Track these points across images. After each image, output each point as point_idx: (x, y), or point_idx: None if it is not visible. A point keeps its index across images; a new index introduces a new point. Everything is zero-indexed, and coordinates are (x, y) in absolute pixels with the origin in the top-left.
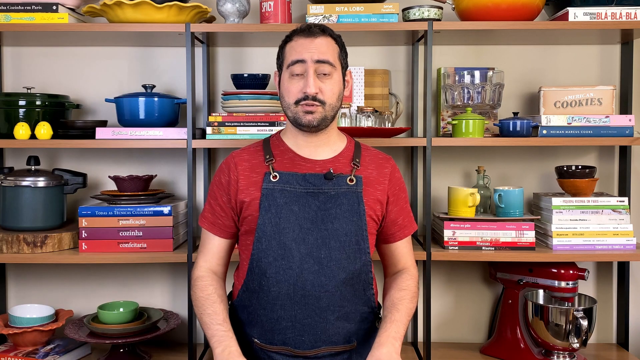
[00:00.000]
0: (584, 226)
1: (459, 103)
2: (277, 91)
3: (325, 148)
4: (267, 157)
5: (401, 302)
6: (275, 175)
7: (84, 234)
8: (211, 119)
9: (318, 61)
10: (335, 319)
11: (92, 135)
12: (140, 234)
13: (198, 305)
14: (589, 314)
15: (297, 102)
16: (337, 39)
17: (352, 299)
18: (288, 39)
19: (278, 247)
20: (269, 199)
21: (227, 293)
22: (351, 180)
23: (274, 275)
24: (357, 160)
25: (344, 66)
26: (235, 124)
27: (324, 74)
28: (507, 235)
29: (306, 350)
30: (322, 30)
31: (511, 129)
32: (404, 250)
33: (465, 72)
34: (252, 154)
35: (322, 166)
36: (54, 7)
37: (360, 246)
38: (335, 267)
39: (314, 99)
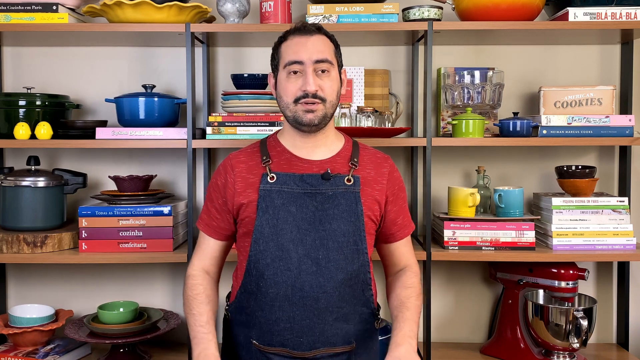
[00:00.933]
0: (584, 226)
1: (459, 103)
2: (273, 93)
3: (322, 148)
4: (264, 158)
5: (409, 299)
6: (273, 177)
7: (84, 234)
8: (211, 119)
9: (316, 61)
10: (333, 320)
11: (92, 135)
12: (140, 234)
13: (185, 304)
14: (589, 314)
15: (296, 101)
16: (332, 38)
17: (350, 300)
18: (283, 38)
19: (276, 248)
20: (266, 200)
21: (226, 294)
22: (349, 180)
23: (272, 276)
24: (355, 160)
25: (340, 64)
26: (235, 124)
27: (322, 71)
28: (507, 235)
29: (304, 351)
30: (317, 28)
31: (511, 129)
32: (404, 250)
33: (465, 72)
34: (249, 156)
35: (320, 166)
36: (54, 7)
37: (358, 247)
38: (334, 268)
39: (315, 96)
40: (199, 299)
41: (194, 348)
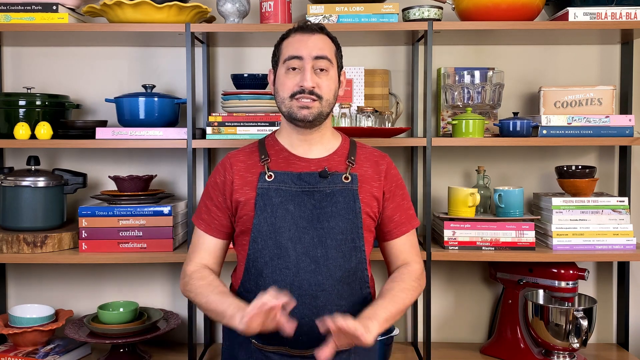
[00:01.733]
0: (584, 226)
1: (459, 103)
2: (272, 89)
3: (319, 146)
4: (262, 157)
5: (389, 291)
6: (271, 175)
7: (84, 234)
8: (211, 119)
9: (316, 57)
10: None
11: (92, 135)
12: (140, 234)
13: (201, 291)
14: (589, 314)
15: (292, 96)
16: (334, 39)
17: (349, 298)
18: (285, 36)
19: (274, 246)
20: (265, 198)
21: None
22: (346, 178)
23: (271, 275)
24: (353, 158)
25: (340, 65)
26: (235, 124)
27: (321, 69)
28: (507, 235)
29: (303, 350)
30: (319, 28)
31: (511, 129)
32: (402, 248)
33: (465, 72)
34: (248, 155)
35: (317, 165)
36: (54, 7)
37: (355, 244)
38: (332, 266)
39: (311, 92)
40: (215, 283)
41: (233, 314)
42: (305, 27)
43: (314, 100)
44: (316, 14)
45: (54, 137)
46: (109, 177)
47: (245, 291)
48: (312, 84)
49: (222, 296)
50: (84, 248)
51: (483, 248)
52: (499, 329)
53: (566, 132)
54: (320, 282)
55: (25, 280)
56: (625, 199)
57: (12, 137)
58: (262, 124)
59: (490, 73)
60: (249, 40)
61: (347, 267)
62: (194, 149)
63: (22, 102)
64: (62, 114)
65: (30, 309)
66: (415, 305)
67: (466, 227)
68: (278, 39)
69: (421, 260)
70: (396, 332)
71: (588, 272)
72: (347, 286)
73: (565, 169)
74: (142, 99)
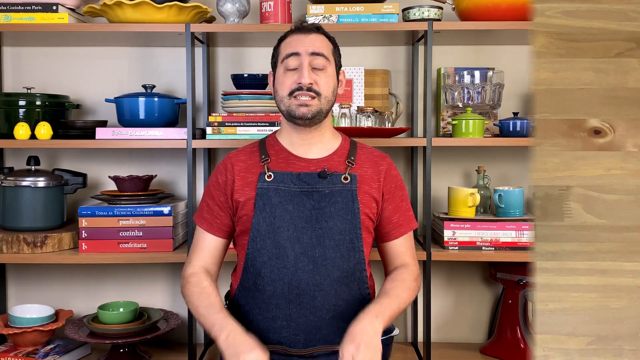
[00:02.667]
0: None
1: (459, 103)
2: (272, 91)
3: (319, 146)
4: (263, 157)
5: (392, 290)
6: (270, 175)
7: (84, 234)
8: (211, 119)
9: (312, 54)
10: (330, 318)
11: (92, 135)
12: (140, 234)
13: (193, 300)
14: None
15: (290, 94)
16: (331, 38)
17: (347, 298)
18: (283, 37)
19: (272, 246)
20: (264, 198)
21: (225, 293)
22: (345, 178)
23: (269, 274)
24: (352, 158)
25: (338, 64)
26: (235, 124)
27: (318, 68)
28: (507, 235)
29: (301, 349)
30: (316, 28)
31: (511, 129)
32: (401, 249)
33: (465, 72)
34: (248, 155)
35: (317, 165)
36: (54, 7)
37: (354, 244)
38: (330, 266)
39: (309, 89)
40: (207, 291)
41: (218, 334)
42: (302, 28)
43: (312, 97)
44: (316, 14)
45: (54, 137)
46: (109, 177)
47: (243, 290)
48: (310, 80)
49: (209, 309)
50: (84, 248)
51: (483, 248)
52: (499, 329)
53: None
54: (318, 282)
55: (25, 280)
56: None
57: (12, 137)
58: (262, 124)
59: (490, 73)
60: (249, 40)
61: (346, 267)
62: (194, 149)
63: (22, 102)
64: (62, 114)
65: (30, 309)
66: (415, 305)
67: (466, 227)
68: (277, 42)
69: (417, 263)
70: (396, 332)
71: None
72: (346, 286)
73: None
74: (142, 99)
